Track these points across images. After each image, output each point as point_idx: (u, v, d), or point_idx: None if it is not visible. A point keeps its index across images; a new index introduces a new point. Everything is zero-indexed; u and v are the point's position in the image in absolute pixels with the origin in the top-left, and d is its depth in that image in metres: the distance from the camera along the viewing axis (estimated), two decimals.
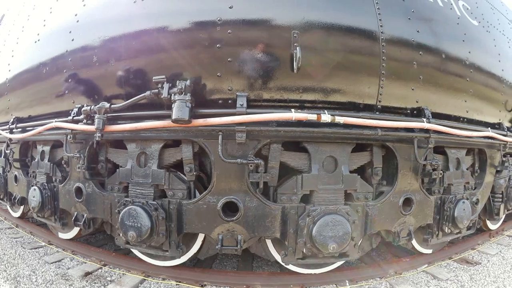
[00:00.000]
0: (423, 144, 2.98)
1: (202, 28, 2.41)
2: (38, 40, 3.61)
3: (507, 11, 4.79)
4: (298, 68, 2.34)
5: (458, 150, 3.53)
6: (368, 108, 2.74)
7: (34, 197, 3.58)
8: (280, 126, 2.45)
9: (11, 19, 4.78)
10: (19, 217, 4.82)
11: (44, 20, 3.61)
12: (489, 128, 3.62)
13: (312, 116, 2.41)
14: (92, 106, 2.78)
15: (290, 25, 2.40)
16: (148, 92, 2.48)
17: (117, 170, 2.88)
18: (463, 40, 3.26)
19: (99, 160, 3.06)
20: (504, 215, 4.74)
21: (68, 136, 3.07)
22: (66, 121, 3.07)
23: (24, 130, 3.85)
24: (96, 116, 2.71)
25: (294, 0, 2.44)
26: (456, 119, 3.34)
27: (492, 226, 4.68)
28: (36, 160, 3.80)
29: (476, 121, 3.57)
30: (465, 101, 3.33)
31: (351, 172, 2.74)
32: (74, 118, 2.99)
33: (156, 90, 2.43)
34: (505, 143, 3.92)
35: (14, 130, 4.01)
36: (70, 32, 3.11)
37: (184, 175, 2.69)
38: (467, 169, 3.64)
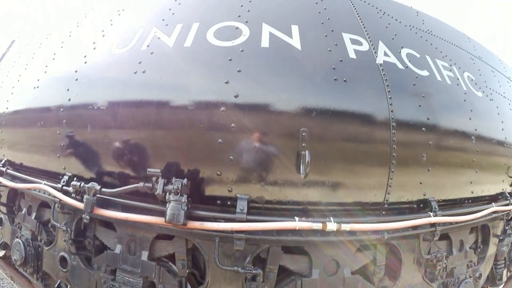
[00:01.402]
0: (428, 236, 2.86)
1: (203, 121, 2.27)
2: (37, 87, 3.45)
3: (505, 68, 4.81)
4: (306, 173, 2.19)
5: (463, 233, 3.41)
6: (375, 209, 2.60)
7: (17, 250, 3.39)
8: (282, 235, 2.29)
9: (19, 49, 4.63)
10: (0, 257, 4.62)
11: (46, 66, 3.46)
12: (493, 203, 3.52)
13: (317, 225, 2.25)
14: (82, 184, 2.61)
15: (298, 124, 2.26)
16: (141, 184, 2.31)
17: (105, 251, 2.70)
18: (470, 118, 3.21)
19: (86, 235, 2.87)
20: (506, 278, 4.63)
21: (56, 205, 2.89)
22: (55, 188, 2.89)
23: (14, 177, 3.68)
24: (85, 196, 2.53)
25: (302, 97, 2.32)
26: (461, 202, 3.25)
27: None
28: (22, 212, 3.62)
29: (480, 198, 3.47)
30: (471, 182, 3.23)
31: (352, 273, 2.58)
32: (64, 187, 2.81)
33: (150, 185, 2.26)
34: (508, 211, 3.80)
35: (4, 175, 3.82)
36: (68, 90, 2.94)
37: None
38: (470, 247, 3.53)
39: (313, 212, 2.39)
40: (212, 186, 2.30)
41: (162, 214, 2.24)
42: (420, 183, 2.77)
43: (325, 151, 2.35)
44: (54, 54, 3.37)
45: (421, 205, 2.83)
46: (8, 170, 3.73)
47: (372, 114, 2.52)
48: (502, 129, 3.65)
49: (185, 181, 2.18)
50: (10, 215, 3.93)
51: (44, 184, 3.02)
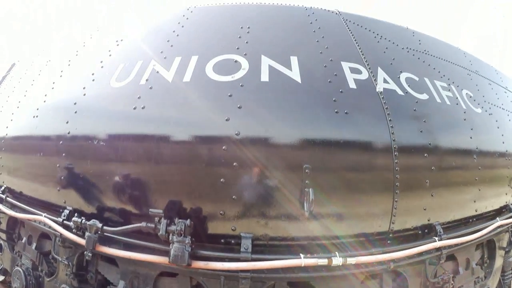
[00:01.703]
0: (434, 260, 2.83)
1: (204, 159, 2.25)
2: (37, 116, 3.41)
3: (502, 78, 4.82)
4: (310, 211, 2.17)
5: (468, 251, 3.39)
6: (380, 238, 2.57)
7: (18, 278, 3.36)
8: (288, 272, 2.26)
9: (18, 74, 4.60)
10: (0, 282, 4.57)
11: (45, 95, 3.42)
12: (497, 217, 3.49)
13: (323, 261, 2.22)
14: (83, 220, 2.58)
15: (301, 160, 2.23)
16: (143, 224, 2.29)
17: (108, 287, 2.66)
18: (471, 137, 3.19)
19: (88, 270, 2.84)
20: None
21: (57, 238, 2.86)
22: (56, 222, 2.85)
23: (13, 205, 3.64)
24: (87, 234, 2.51)
25: (304, 132, 2.29)
26: (466, 221, 3.23)
27: None
28: (23, 241, 3.57)
29: (485, 214, 3.46)
30: (474, 201, 3.22)
31: None
32: (64, 222, 2.78)
33: (153, 225, 2.24)
34: None
35: (3, 202, 3.78)
36: (67, 122, 2.91)
37: None
38: (476, 264, 3.50)
39: (318, 247, 2.36)
40: (215, 225, 2.28)
41: (165, 253, 2.22)
42: (424, 209, 2.75)
43: (329, 184, 2.32)
44: (54, 83, 3.34)
45: (426, 231, 2.81)
46: (8, 198, 3.71)
47: (374, 142, 2.51)
48: (503, 142, 3.64)
49: (188, 221, 2.16)
50: (10, 242, 3.89)
51: (45, 216, 2.99)
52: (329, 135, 2.32)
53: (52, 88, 3.31)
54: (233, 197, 2.19)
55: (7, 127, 3.92)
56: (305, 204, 2.18)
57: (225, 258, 2.20)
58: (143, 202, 2.44)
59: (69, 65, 3.25)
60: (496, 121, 3.75)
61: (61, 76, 3.27)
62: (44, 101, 3.35)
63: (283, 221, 2.27)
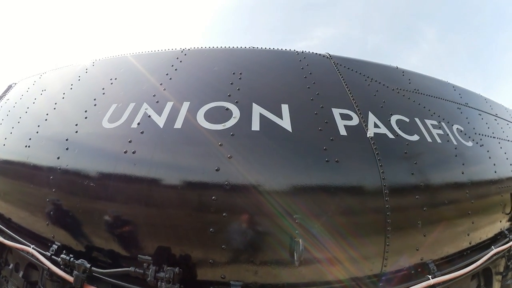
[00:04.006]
0: None
1: (194, 208, 2.26)
2: (29, 147, 3.41)
3: (491, 106, 4.86)
4: (300, 262, 2.18)
5: (463, 282, 3.38)
6: (372, 281, 2.57)
7: None
8: None
9: (13, 98, 4.57)
10: None
11: (38, 126, 3.42)
12: (492, 246, 3.49)
13: None
14: (72, 258, 2.57)
15: (291, 210, 2.25)
16: (132, 268, 2.30)
17: None
18: (463, 172, 3.21)
19: None
20: None
21: (45, 272, 2.84)
22: (44, 256, 2.84)
23: (1, 230, 3.61)
24: (75, 272, 2.50)
25: (295, 182, 2.30)
26: (460, 254, 3.20)
27: None
28: (10, 267, 3.54)
29: (479, 244, 3.44)
30: (468, 234, 3.22)
31: None
32: (53, 257, 2.77)
33: (141, 271, 2.25)
34: (509, 247, 3.77)
35: None
36: (58, 158, 2.92)
37: None
38: None
39: None
40: (204, 272, 2.28)
41: None
42: (417, 249, 2.75)
43: (319, 231, 2.32)
44: (47, 114, 3.35)
45: (419, 270, 2.79)
46: None
47: (364, 187, 2.52)
48: (495, 172, 3.66)
49: (177, 269, 2.17)
50: None
51: (33, 248, 2.97)
52: (320, 184, 2.33)
53: (46, 120, 3.32)
54: (223, 246, 2.20)
55: None
56: (295, 255, 2.20)
57: None
58: (132, 244, 2.44)
59: (63, 98, 3.26)
60: (488, 151, 3.79)
61: (54, 108, 3.27)
62: (37, 132, 3.35)
63: (273, 269, 2.27)
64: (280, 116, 2.46)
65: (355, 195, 2.47)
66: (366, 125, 2.71)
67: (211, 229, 2.20)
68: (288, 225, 2.23)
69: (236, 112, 2.44)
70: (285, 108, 2.51)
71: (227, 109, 2.47)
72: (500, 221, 3.77)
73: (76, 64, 3.59)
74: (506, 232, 3.81)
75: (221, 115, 2.43)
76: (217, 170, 2.23)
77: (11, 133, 3.90)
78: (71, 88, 3.30)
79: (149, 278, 2.21)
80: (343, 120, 2.62)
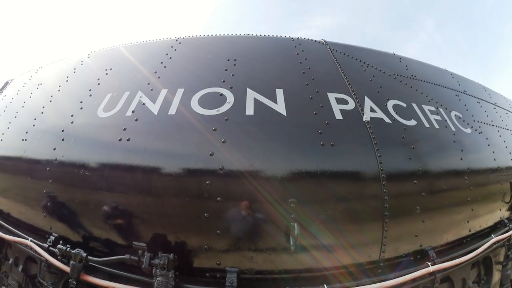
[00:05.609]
0: (428, 284, 2.77)
1: (188, 193, 2.24)
2: (26, 140, 3.42)
3: (490, 95, 4.82)
4: (296, 246, 2.16)
5: (464, 270, 3.36)
6: (370, 268, 2.55)
7: None
8: None
9: (10, 93, 4.58)
10: None
11: (35, 119, 3.43)
12: (492, 234, 3.46)
13: None
14: (68, 248, 2.57)
15: (286, 194, 2.23)
16: (127, 256, 2.29)
17: None
18: (461, 158, 3.19)
19: None
20: None
21: (43, 264, 2.84)
22: (42, 247, 2.84)
23: (0, 225, 3.62)
24: (71, 262, 2.50)
25: (289, 166, 2.28)
26: (460, 242, 3.18)
27: None
28: (9, 262, 3.55)
29: (479, 232, 3.42)
30: (467, 222, 3.19)
31: None
32: (50, 248, 2.77)
33: (136, 258, 2.24)
34: (509, 237, 3.73)
35: None
36: (54, 149, 2.92)
37: None
38: (473, 282, 3.46)
39: (306, 279, 2.33)
40: (200, 259, 2.26)
41: (150, 285, 2.20)
42: (416, 236, 2.72)
43: (315, 216, 2.30)
44: (43, 107, 3.35)
45: (418, 256, 2.77)
46: None
47: (361, 172, 2.48)
48: (494, 159, 3.64)
49: (171, 256, 2.15)
50: None
51: (31, 241, 2.98)
52: (315, 168, 2.30)
53: (42, 112, 3.32)
54: (217, 231, 2.18)
55: None
56: (290, 239, 2.17)
57: None
58: (128, 233, 2.43)
59: (59, 90, 3.26)
60: (487, 138, 3.76)
61: (50, 101, 3.27)
62: (33, 125, 3.35)
63: (269, 255, 2.25)
64: (274, 100, 2.45)
65: (351, 179, 2.44)
66: (362, 110, 2.69)
67: (205, 215, 2.19)
68: (283, 209, 2.21)
69: (230, 97, 2.42)
70: (279, 92, 2.49)
71: (221, 94, 2.46)
72: (500, 210, 3.75)
73: (72, 57, 3.60)
74: (506, 221, 3.79)
75: (215, 100, 2.42)
76: (211, 154, 2.22)
77: (8, 128, 3.92)
78: (66, 81, 3.30)
79: (143, 265, 2.20)
80: (338, 104, 2.59)
